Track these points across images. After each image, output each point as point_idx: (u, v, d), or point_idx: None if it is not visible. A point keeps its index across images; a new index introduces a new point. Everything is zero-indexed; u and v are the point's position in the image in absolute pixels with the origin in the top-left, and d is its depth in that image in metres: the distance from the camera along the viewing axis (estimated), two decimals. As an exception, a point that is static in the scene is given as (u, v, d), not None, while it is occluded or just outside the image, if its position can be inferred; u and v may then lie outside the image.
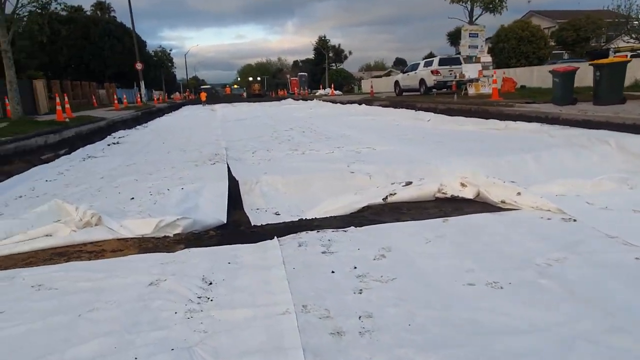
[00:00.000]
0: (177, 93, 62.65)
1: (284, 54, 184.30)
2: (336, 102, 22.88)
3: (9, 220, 3.83)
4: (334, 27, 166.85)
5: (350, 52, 69.69)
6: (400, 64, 72.56)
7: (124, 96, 28.72)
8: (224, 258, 2.89)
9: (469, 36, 15.71)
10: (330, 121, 13.04)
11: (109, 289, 2.52)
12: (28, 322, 2.20)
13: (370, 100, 19.77)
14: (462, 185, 3.90)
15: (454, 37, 38.10)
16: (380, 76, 46.66)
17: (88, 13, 45.03)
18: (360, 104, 18.75)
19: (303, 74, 52.73)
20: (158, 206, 4.54)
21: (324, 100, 26.82)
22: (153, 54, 56.90)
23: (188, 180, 5.64)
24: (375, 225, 3.35)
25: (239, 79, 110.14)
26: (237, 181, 5.36)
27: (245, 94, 59.22)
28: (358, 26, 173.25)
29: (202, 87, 68.71)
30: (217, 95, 62.04)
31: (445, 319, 2.03)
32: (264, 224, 3.86)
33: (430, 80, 17.88)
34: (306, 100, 31.20)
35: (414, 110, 13.91)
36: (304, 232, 3.24)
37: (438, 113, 12.45)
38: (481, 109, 11.47)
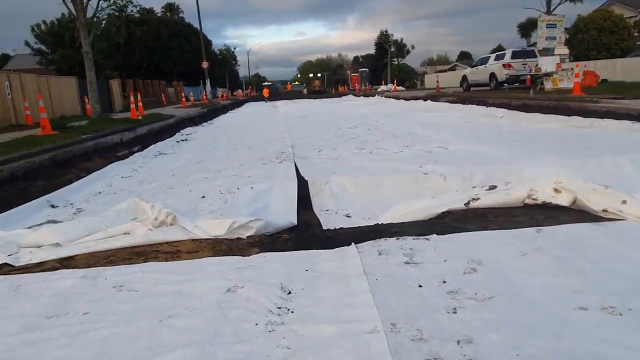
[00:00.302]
0: (239, 90, 64.36)
1: (344, 49, 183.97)
2: (399, 98, 22.38)
3: (92, 217, 3.95)
4: (395, 21, 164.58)
5: (412, 47, 68.17)
6: (465, 58, 70.01)
7: (191, 94, 29.85)
8: (301, 264, 2.77)
9: (546, 27, 14.66)
10: (395, 118, 12.70)
11: (188, 294, 2.47)
12: (111, 325, 2.19)
13: (437, 95, 19.11)
14: (556, 190, 3.54)
15: (526, 29, 36.12)
16: (444, 70, 45.22)
17: (158, 14, 47.19)
18: (425, 100, 18.19)
19: (364, 69, 52.09)
20: (229, 205, 4.53)
21: (386, 97, 26.35)
22: (218, 52, 58.75)
23: (257, 179, 5.62)
24: (459, 233, 3.10)
25: (299, 75, 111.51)
26: (306, 181, 5.27)
27: (305, 91, 59.74)
28: (420, 19, 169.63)
29: (263, 84, 70.32)
30: (277, 91, 63.28)
31: (560, 350, 1.77)
32: (337, 227, 3.70)
33: (502, 75, 16.91)
34: (367, 96, 30.83)
35: (484, 107, 13.24)
36: (383, 239, 3.05)
37: (512, 109, 11.75)
38: (562, 104, 10.67)
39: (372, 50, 66.16)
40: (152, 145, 10.14)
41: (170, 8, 51.77)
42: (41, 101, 9.92)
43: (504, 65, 16.84)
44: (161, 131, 12.74)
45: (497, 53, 18.49)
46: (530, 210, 3.56)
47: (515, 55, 16.91)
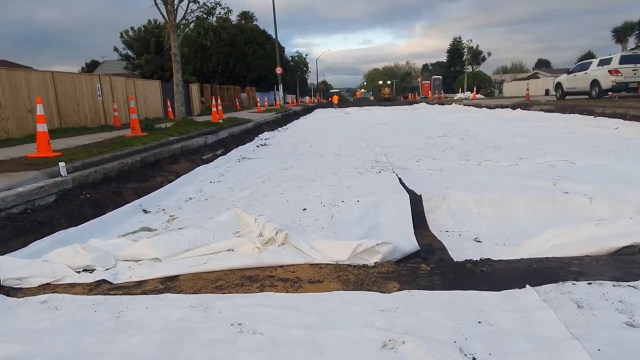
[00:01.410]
0: (307, 97, 64.86)
1: (411, 57, 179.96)
2: (481, 107, 21.06)
3: (193, 230, 3.53)
4: (465, 29, 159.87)
5: (489, 53, 65.36)
6: (544, 65, 66.38)
7: (265, 99, 30.16)
8: (468, 313, 2.10)
9: (667, 27, 12.91)
10: (487, 127, 11.69)
11: (330, 348, 1.88)
12: (242, 389, 1.64)
13: (528, 104, 17.65)
14: None
15: (622, 33, 33.05)
16: (525, 78, 42.64)
17: (234, 22, 48.52)
18: (514, 109, 16.83)
19: (437, 77, 50.41)
20: (338, 222, 3.96)
21: (464, 105, 25.04)
22: (290, 59, 59.57)
23: (359, 191, 5.03)
24: (679, 282, 2.28)
25: (365, 83, 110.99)
26: (418, 196, 4.60)
27: (372, 98, 59.12)
28: (492, 26, 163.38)
29: (331, 91, 70.69)
30: (344, 98, 63.33)
31: None
32: (478, 257, 2.99)
33: (607, 82, 15.14)
34: (443, 104, 29.57)
35: (591, 116, 11.88)
36: (569, 283, 2.31)
37: (628, 120, 10.36)
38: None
39: (441, 58, 64.38)
40: (234, 150, 9.95)
41: (246, 16, 53.12)
42: (132, 102, 10.00)
43: (610, 72, 15.10)
44: (241, 135, 12.61)
45: (600, 58, 16.65)
46: None
47: (625, 60, 15.08)
